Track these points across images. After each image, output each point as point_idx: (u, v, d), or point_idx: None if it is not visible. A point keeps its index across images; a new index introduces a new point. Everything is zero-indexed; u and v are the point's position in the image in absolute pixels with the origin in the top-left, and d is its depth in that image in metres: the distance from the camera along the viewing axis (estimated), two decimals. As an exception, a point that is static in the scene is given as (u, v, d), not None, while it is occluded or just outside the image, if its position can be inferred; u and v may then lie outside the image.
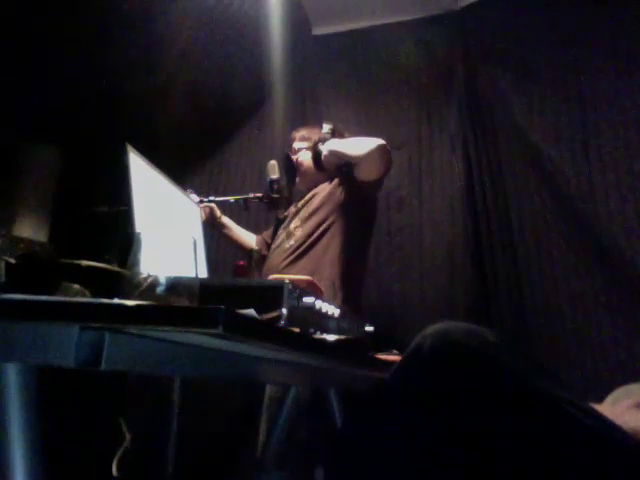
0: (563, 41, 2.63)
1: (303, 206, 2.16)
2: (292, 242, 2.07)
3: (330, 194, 2.09)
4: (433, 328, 0.82)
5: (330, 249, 2.01)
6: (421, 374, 0.80)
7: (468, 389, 0.78)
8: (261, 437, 1.94)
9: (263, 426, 1.95)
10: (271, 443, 1.73)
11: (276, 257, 2.09)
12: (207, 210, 2.28)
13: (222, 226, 2.37)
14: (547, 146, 2.55)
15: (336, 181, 2.11)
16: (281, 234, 2.17)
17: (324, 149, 2.08)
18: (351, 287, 2.01)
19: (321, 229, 2.04)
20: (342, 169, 2.10)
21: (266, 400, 1.98)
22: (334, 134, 2.14)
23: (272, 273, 1.98)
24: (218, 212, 2.34)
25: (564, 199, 2.48)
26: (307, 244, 2.03)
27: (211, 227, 2.33)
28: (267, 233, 2.40)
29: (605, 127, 2.46)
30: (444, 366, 0.79)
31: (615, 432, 0.78)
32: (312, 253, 2.02)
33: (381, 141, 1.95)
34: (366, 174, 2.02)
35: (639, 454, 0.75)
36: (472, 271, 2.61)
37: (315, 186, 2.18)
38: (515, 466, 0.76)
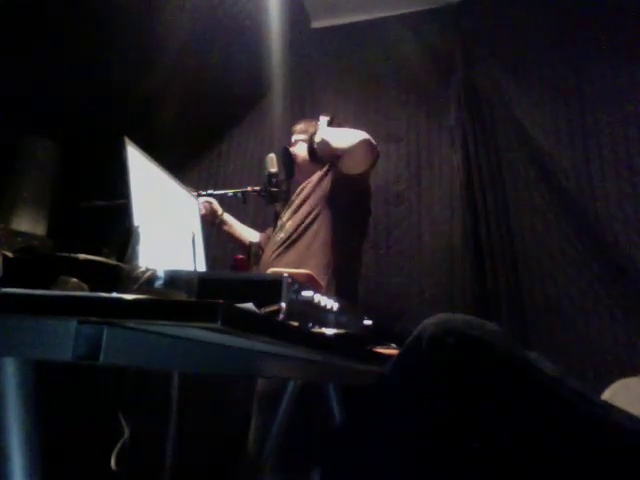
0: (562, 35, 2.62)
1: (296, 198, 2.15)
2: (282, 234, 2.05)
3: (317, 184, 2.07)
4: (432, 319, 0.84)
5: (316, 240, 1.98)
6: (421, 362, 0.82)
7: (468, 375, 0.79)
8: (252, 432, 1.93)
9: (254, 421, 1.94)
10: (269, 440, 1.72)
11: (268, 250, 2.08)
12: (208, 206, 2.25)
13: (223, 223, 2.33)
14: (546, 141, 2.55)
15: (323, 171, 2.08)
16: (277, 227, 2.16)
17: (317, 138, 2.05)
18: (338, 278, 1.96)
19: (308, 220, 2.02)
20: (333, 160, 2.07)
21: (256, 394, 1.97)
22: (331, 124, 2.10)
23: (264, 266, 1.97)
24: (219, 209, 2.30)
25: (563, 195, 2.48)
26: (295, 236, 2.01)
27: (211, 224, 2.29)
28: (271, 229, 2.39)
29: (604, 123, 2.45)
30: (444, 353, 0.80)
31: (609, 415, 0.79)
32: (298, 245, 2.00)
33: (366, 135, 1.91)
34: (349, 168, 1.98)
35: (629, 434, 0.77)
36: (470, 265, 2.61)
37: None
38: (513, 450, 0.77)
